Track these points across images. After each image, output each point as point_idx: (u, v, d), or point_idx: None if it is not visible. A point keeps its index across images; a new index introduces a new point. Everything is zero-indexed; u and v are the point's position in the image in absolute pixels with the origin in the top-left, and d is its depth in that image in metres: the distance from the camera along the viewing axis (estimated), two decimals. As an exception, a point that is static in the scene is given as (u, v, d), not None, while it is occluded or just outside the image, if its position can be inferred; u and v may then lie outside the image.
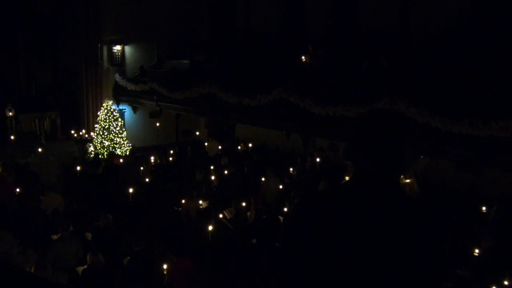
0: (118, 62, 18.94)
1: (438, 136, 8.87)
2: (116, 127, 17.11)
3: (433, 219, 1.81)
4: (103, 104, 17.62)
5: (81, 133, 18.31)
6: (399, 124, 1.88)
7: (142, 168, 13.59)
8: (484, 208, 9.86)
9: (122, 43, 18.82)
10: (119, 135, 17.15)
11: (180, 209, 10.89)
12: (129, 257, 8.13)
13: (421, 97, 9.36)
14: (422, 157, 9.93)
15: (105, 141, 16.88)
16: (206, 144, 17.04)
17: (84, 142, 17.80)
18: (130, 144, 17.41)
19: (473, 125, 8.26)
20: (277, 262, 1.99)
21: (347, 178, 1.91)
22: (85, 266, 7.52)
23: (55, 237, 8.64)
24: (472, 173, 11.57)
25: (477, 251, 7.72)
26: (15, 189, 11.21)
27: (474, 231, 8.55)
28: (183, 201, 10.76)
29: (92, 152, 16.86)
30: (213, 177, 12.21)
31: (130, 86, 17.86)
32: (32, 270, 6.25)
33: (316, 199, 1.91)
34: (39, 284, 3.33)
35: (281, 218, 9.75)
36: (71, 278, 7.56)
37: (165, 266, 7.39)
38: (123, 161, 14.24)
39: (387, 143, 1.81)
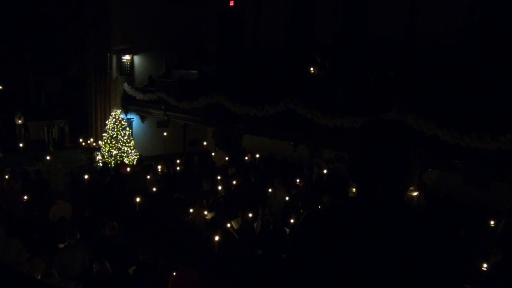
0: (127, 72, 19.07)
1: (446, 148, 8.83)
2: (124, 136, 17.19)
3: (441, 232, 1.79)
4: (112, 113, 17.72)
5: (89, 141, 18.42)
6: (405, 132, 1.81)
7: (149, 177, 13.62)
8: (492, 222, 9.78)
9: (131, 52, 18.96)
10: (127, 144, 17.22)
11: (187, 218, 10.89)
12: (134, 267, 8.12)
13: (429, 109, 9.34)
14: (430, 170, 9.88)
15: (112, 150, 16.95)
16: (213, 154, 17.07)
17: (92, 150, 17.89)
18: (138, 153, 17.46)
19: (481, 138, 8.22)
20: (282, 275, 1.97)
21: (354, 190, 1.87)
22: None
23: (61, 245, 8.65)
24: (480, 186, 11.50)
25: (485, 265, 7.64)
26: (23, 197, 11.26)
27: (482, 245, 8.47)
28: (190, 210, 10.76)
29: (100, 161, 16.93)
30: (220, 187, 12.21)
31: (139, 96, 17.96)
32: (39, 278, 6.26)
33: (322, 215, 1.88)
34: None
35: (287, 229, 9.72)
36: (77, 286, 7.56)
37: (171, 276, 7.38)
38: (130, 170, 14.28)
39: (394, 151, 1.75)
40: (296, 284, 1.84)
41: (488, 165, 8.48)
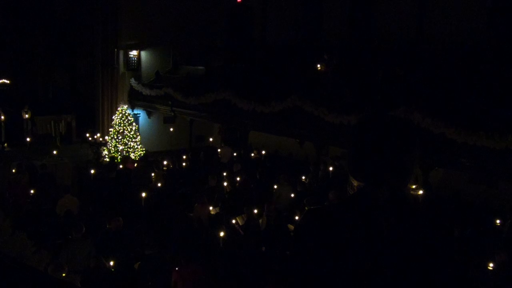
0: (134, 67, 19.11)
1: (454, 147, 8.79)
2: (131, 131, 17.23)
3: (442, 229, 1.77)
4: (118, 108, 17.77)
5: (95, 136, 18.47)
6: (405, 128, 1.76)
7: (154, 172, 13.63)
8: (498, 221, 9.72)
9: (139, 48, 18.99)
10: (133, 139, 17.26)
11: (192, 214, 10.89)
12: (139, 262, 8.14)
13: (437, 108, 9.29)
14: (436, 168, 9.84)
15: (119, 145, 16.99)
16: (219, 150, 17.08)
17: (99, 145, 17.94)
18: (144, 149, 17.50)
19: (489, 136, 8.17)
20: (287, 272, 1.95)
21: (355, 183, 1.83)
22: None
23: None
24: (487, 185, 11.44)
25: (491, 265, 7.60)
26: (30, 190, 11.32)
27: (488, 245, 8.43)
28: (196, 205, 10.76)
29: (106, 156, 16.98)
30: (225, 184, 12.21)
31: (145, 91, 18.00)
32: (49, 271, 6.30)
33: (323, 213, 1.86)
34: (51, 284, 3.36)
35: (292, 226, 9.71)
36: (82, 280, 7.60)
37: (175, 271, 7.40)
38: (136, 165, 14.30)
39: (394, 147, 1.71)
40: (299, 282, 1.83)
41: (495, 164, 8.43)
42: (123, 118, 17.29)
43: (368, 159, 1.74)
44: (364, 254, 1.68)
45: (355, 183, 1.79)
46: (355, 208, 1.76)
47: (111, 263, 7.72)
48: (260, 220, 10.22)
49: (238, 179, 12.55)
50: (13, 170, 12.81)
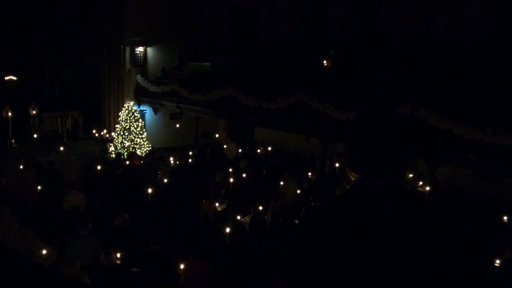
0: (140, 63, 19.13)
1: (460, 143, 8.75)
2: (137, 127, 17.28)
3: (449, 226, 1.77)
4: (125, 105, 17.82)
5: (102, 133, 18.54)
6: (401, 124, 1.79)
7: (161, 168, 13.66)
8: (505, 218, 9.67)
9: (145, 44, 19.00)
10: (140, 136, 17.31)
11: (199, 210, 10.91)
12: (145, 258, 8.16)
13: (443, 104, 9.25)
14: (443, 165, 9.81)
15: (125, 142, 17.04)
16: (225, 146, 17.08)
17: (105, 142, 18.01)
18: (150, 145, 17.55)
19: (496, 132, 8.13)
20: (287, 270, 1.97)
21: (352, 177, 1.85)
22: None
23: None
24: (493, 181, 11.38)
25: (498, 261, 7.58)
26: (37, 187, 11.37)
27: (495, 241, 8.40)
28: (203, 201, 10.78)
29: (113, 152, 17.04)
30: (231, 180, 12.22)
31: (152, 87, 18.02)
32: (61, 267, 6.34)
33: (322, 209, 1.86)
34: (57, 279, 3.38)
35: (297, 222, 9.70)
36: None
37: (181, 267, 7.42)
38: (143, 162, 14.34)
39: (390, 144, 1.75)
40: (300, 280, 1.83)
41: (502, 161, 8.39)
42: (129, 115, 17.35)
43: (365, 152, 1.77)
44: (364, 248, 1.69)
45: (353, 177, 1.83)
46: (354, 201, 1.78)
47: (118, 255, 7.76)
48: (266, 217, 10.23)
49: (244, 175, 12.56)
50: (20, 167, 12.87)
